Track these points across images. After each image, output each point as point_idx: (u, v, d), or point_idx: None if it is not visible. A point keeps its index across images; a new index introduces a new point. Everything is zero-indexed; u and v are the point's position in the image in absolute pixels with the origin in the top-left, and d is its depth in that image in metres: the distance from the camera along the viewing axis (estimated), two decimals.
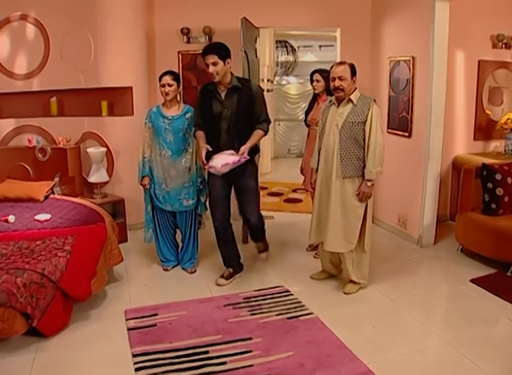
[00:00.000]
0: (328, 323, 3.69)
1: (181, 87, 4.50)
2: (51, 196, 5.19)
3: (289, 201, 7.40)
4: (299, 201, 7.32)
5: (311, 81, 4.91)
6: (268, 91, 8.83)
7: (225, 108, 4.08)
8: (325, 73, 4.81)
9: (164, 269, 4.76)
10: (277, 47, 10.29)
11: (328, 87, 4.80)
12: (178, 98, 4.53)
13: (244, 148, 4.00)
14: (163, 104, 4.48)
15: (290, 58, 10.71)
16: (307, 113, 5.06)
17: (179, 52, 5.91)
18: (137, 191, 5.52)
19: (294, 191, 7.85)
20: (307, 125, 5.04)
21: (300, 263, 4.91)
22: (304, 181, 5.20)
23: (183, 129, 4.42)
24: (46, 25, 5.47)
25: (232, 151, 3.97)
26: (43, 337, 3.46)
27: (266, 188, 7.42)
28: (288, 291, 4.26)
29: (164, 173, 4.50)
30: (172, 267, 4.79)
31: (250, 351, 3.34)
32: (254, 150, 4.25)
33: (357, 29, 5.95)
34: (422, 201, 5.18)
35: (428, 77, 4.93)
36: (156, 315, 3.88)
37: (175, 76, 4.40)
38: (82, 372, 3.14)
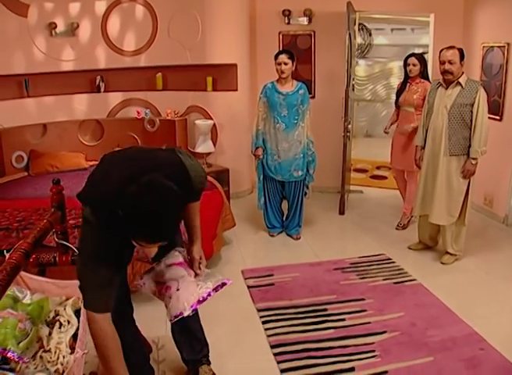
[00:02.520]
0: (430, 289, 3.92)
1: (295, 66, 4.66)
2: None
3: (374, 177, 7.58)
4: (384, 178, 7.47)
5: (406, 64, 4.95)
6: None
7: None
8: (420, 57, 4.98)
9: (270, 235, 5.04)
10: None
11: (422, 70, 5.00)
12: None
13: (196, 252, 2.51)
14: (277, 80, 4.68)
15: (366, 40, 10.73)
16: (398, 94, 5.14)
17: (279, 33, 6.10)
18: (239, 161, 5.84)
19: (378, 168, 7.98)
20: (398, 106, 5.16)
21: (395, 234, 5.14)
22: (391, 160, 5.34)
23: (296, 104, 4.63)
24: (154, 5, 5.79)
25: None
26: None
27: (351, 164, 7.68)
28: (390, 259, 4.50)
29: (277, 145, 4.71)
30: (278, 233, 5.06)
31: (365, 311, 3.61)
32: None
33: (450, 14, 5.98)
34: (510, 182, 5.29)
35: None
36: (272, 275, 4.18)
37: (290, 55, 4.59)
38: (216, 323, 3.32)
